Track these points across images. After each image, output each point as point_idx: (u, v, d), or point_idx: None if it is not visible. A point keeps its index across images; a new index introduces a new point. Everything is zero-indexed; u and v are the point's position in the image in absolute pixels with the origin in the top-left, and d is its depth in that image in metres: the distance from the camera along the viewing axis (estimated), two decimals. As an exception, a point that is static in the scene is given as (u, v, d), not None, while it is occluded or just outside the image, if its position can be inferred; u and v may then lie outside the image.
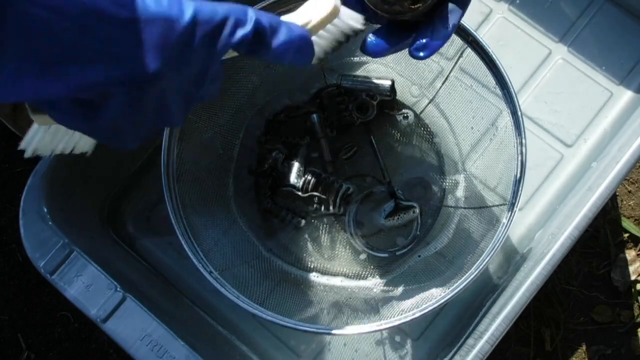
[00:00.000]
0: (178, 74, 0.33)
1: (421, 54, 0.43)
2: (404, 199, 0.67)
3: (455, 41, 0.58)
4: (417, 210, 0.66)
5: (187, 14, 0.32)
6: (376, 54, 0.44)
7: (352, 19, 0.44)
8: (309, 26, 0.41)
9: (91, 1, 0.29)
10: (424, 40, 0.43)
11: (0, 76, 0.29)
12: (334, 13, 0.42)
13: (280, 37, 0.37)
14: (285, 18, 0.40)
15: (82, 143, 0.43)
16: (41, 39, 0.29)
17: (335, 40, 0.44)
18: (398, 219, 0.66)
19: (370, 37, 0.44)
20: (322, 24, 0.42)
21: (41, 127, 0.39)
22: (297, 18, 0.41)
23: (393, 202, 0.66)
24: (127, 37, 0.30)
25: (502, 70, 0.56)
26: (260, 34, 0.36)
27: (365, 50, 0.44)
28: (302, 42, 0.38)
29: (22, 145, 0.40)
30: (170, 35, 0.31)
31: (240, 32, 0.34)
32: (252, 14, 0.35)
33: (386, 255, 0.66)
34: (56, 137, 0.41)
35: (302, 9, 0.42)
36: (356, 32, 0.45)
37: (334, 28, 0.44)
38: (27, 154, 0.40)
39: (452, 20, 0.42)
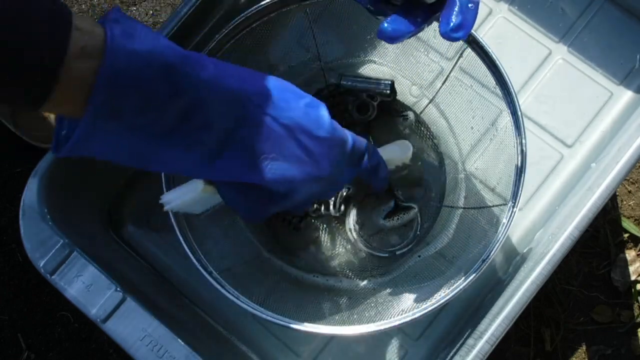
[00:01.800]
0: (331, 180, 0.44)
1: (460, 33, 0.40)
2: (403, 200, 0.67)
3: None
4: (417, 211, 0.66)
5: (350, 141, 0.44)
6: (393, 38, 0.42)
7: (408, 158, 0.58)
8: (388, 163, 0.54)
9: (300, 118, 0.40)
10: (458, 19, 0.40)
11: (227, 161, 0.38)
12: (408, 158, 0.57)
13: (383, 169, 0.50)
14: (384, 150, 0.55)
15: (202, 209, 0.50)
16: (260, 137, 0.38)
17: (394, 172, 0.59)
18: (398, 219, 0.66)
19: (387, 22, 0.42)
20: (396, 163, 0.58)
21: (196, 195, 0.45)
22: (385, 154, 0.53)
23: (393, 203, 0.66)
24: (320, 150, 0.41)
25: (502, 70, 0.56)
26: (379, 165, 0.49)
27: (383, 34, 0.42)
28: (386, 175, 0.52)
29: (165, 199, 0.47)
30: (341, 153, 0.43)
31: (374, 160, 0.48)
32: (376, 150, 0.50)
33: (386, 254, 0.66)
34: (196, 205, 0.48)
35: (389, 148, 0.57)
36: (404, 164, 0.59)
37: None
38: (166, 209, 0.48)
39: None
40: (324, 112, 0.41)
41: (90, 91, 0.31)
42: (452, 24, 0.40)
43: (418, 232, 0.66)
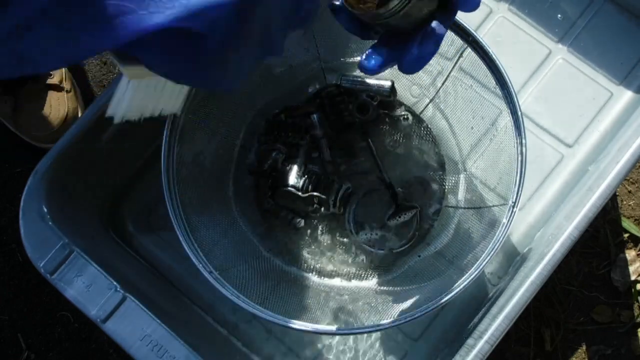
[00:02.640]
0: None
1: (409, 68, 0.40)
2: (404, 200, 0.67)
3: (455, 41, 0.58)
4: (418, 209, 0.66)
5: None
6: (372, 70, 0.42)
7: None
8: None
9: None
10: (415, 53, 0.39)
11: (98, 19, 0.28)
12: None
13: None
14: None
15: (171, 102, 0.41)
16: None
17: None
18: (399, 219, 0.66)
19: (366, 54, 0.42)
20: None
21: (130, 85, 0.36)
22: None
23: (394, 203, 0.66)
24: None
25: (502, 70, 0.56)
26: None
27: (361, 66, 0.42)
28: None
29: (110, 111, 0.38)
30: None
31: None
32: None
33: (385, 252, 0.66)
34: (146, 96, 0.38)
35: None
36: None
37: None
38: (117, 120, 0.38)
39: (439, 31, 0.39)
40: None
41: None
42: (407, 58, 0.40)
43: (417, 232, 0.66)
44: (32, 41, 0.28)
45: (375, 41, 0.42)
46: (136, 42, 0.30)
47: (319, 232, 0.68)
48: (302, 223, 0.66)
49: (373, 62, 0.41)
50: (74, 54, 0.29)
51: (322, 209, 0.65)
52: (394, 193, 0.67)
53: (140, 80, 0.36)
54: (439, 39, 0.39)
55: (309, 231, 0.68)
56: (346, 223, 0.67)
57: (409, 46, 0.39)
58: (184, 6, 0.28)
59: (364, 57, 0.41)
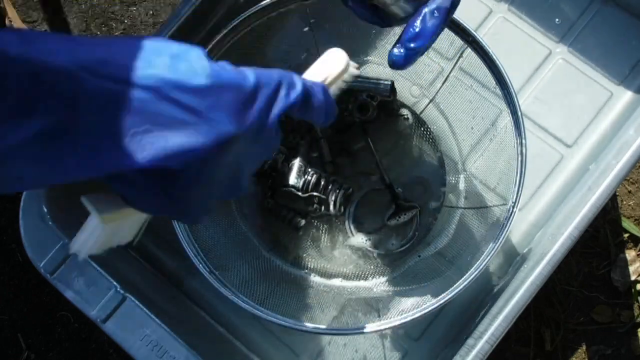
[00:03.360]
0: (247, 136, 0.34)
1: (415, 43, 0.43)
2: (404, 200, 0.67)
3: (455, 41, 0.58)
4: (418, 210, 0.66)
5: (251, 78, 0.34)
6: (402, 65, 0.44)
7: (353, 67, 0.46)
8: (327, 82, 0.43)
9: (166, 73, 0.31)
10: (415, 29, 0.42)
11: (75, 155, 0.30)
12: (346, 68, 0.45)
13: (318, 97, 0.39)
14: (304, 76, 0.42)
15: (131, 232, 0.43)
16: (117, 112, 0.29)
17: (339, 89, 0.46)
18: (399, 219, 0.66)
19: (395, 50, 0.44)
20: (336, 79, 0.45)
21: (101, 227, 0.38)
22: (315, 75, 0.43)
23: (394, 203, 0.66)
24: (206, 103, 0.32)
25: (502, 70, 0.56)
26: (308, 95, 0.38)
27: (393, 64, 0.44)
28: (330, 100, 0.41)
29: (74, 248, 0.39)
30: (240, 98, 0.33)
31: (293, 94, 0.37)
32: (297, 77, 0.38)
33: (384, 253, 0.66)
34: (112, 233, 0.40)
35: (317, 66, 0.44)
36: (354, 77, 0.47)
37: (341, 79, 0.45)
38: (82, 257, 0.40)
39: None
40: (196, 56, 0.32)
41: None
42: (409, 33, 0.42)
43: (417, 232, 0.66)
44: (9, 169, 0.29)
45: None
46: (115, 176, 0.33)
47: (319, 232, 0.68)
48: (302, 223, 0.66)
49: (400, 55, 0.43)
50: (52, 179, 0.31)
51: (322, 209, 0.65)
52: (394, 193, 0.67)
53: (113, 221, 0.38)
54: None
55: (309, 231, 0.68)
56: (346, 223, 0.67)
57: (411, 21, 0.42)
58: (162, 148, 0.31)
59: (394, 52, 0.43)
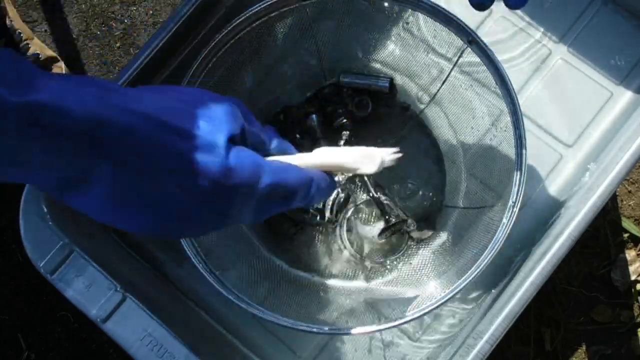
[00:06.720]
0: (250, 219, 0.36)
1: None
2: (395, 216, 0.65)
3: (455, 41, 0.58)
4: (411, 225, 0.65)
5: (265, 181, 0.34)
6: (484, 5, 0.45)
7: (389, 160, 0.46)
8: (350, 172, 0.44)
9: (187, 160, 0.31)
10: None
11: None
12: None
13: (322, 192, 0.40)
14: (339, 152, 0.42)
15: None
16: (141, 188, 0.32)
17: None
18: (388, 233, 0.65)
19: None
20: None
21: None
22: (338, 166, 0.42)
23: (384, 219, 0.66)
24: (222, 197, 0.32)
25: (502, 70, 0.56)
26: (313, 197, 0.39)
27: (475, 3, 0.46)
28: (330, 187, 0.42)
29: None
30: (252, 196, 0.34)
31: (301, 202, 0.38)
32: (315, 186, 0.39)
33: (376, 264, 0.66)
34: None
35: (345, 158, 0.42)
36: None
37: None
38: None
39: None
40: (204, 154, 0.31)
41: None
42: None
43: (409, 243, 0.66)
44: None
45: None
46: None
47: (319, 233, 0.68)
48: (300, 225, 0.66)
49: None
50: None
51: (318, 216, 0.64)
52: (382, 209, 0.66)
53: None
54: None
55: (308, 232, 0.68)
56: (338, 231, 0.67)
57: None
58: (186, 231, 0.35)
59: None
